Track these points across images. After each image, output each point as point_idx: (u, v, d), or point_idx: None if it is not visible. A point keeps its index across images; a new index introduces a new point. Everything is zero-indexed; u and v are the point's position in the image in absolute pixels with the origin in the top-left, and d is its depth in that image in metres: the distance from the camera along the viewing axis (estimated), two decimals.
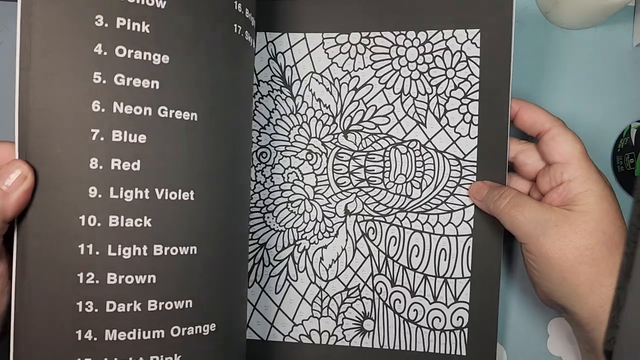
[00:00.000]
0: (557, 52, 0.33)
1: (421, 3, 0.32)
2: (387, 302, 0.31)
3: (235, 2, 0.26)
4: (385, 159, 0.32)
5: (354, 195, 0.32)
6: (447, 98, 0.31)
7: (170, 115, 0.23)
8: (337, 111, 0.32)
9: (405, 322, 0.31)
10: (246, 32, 0.26)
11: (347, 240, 0.31)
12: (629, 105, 0.32)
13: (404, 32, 0.32)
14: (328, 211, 0.32)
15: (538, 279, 0.26)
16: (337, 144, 0.32)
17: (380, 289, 0.31)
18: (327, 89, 0.32)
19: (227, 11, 0.25)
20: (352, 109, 0.32)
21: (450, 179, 0.31)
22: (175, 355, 0.23)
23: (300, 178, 0.32)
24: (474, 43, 0.31)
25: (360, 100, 0.32)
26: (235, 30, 0.25)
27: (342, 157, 0.32)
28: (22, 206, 0.20)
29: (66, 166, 0.21)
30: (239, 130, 0.27)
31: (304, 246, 0.32)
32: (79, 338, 0.21)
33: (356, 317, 0.31)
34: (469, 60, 0.31)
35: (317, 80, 0.32)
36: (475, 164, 0.31)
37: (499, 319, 0.30)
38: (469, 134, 0.31)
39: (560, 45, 0.33)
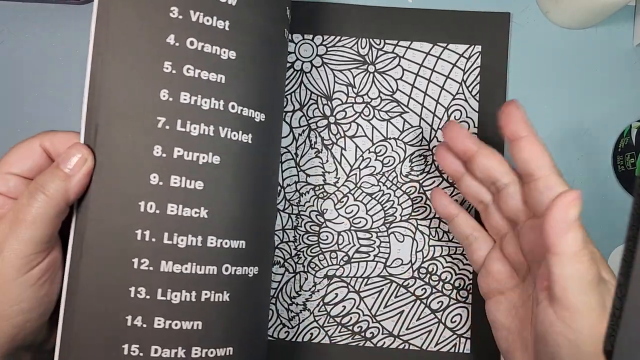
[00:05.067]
0: (557, 52, 0.33)
1: (427, 18, 0.32)
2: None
3: (287, 8, 0.26)
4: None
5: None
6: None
7: (239, 112, 0.23)
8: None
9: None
10: (285, 30, 0.27)
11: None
12: (629, 105, 0.32)
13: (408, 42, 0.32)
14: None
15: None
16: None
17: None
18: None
19: (282, 15, 0.25)
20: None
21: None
22: (225, 292, 0.23)
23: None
24: (476, 58, 0.32)
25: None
26: (285, 35, 0.26)
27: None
28: (82, 189, 0.21)
29: (130, 153, 0.21)
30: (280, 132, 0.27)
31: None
32: (129, 323, 0.21)
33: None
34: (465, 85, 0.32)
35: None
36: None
37: None
38: None
39: (560, 45, 0.33)
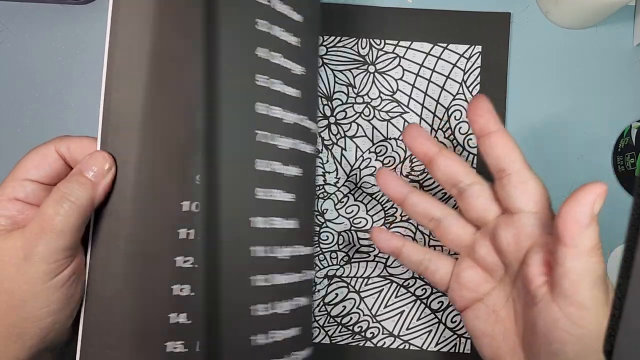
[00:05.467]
0: (557, 52, 0.33)
1: (429, 19, 0.32)
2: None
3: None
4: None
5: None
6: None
7: (307, 125, 0.24)
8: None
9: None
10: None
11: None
12: (629, 105, 0.32)
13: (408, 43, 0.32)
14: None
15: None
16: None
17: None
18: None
19: (318, 28, 0.26)
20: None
21: None
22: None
23: None
24: (476, 59, 0.32)
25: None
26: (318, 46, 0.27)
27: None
28: (105, 196, 0.21)
29: (235, 167, 0.21)
30: None
31: None
32: (252, 344, 0.21)
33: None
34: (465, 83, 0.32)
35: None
36: None
37: None
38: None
39: (560, 45, 0.33)
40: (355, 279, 0.32)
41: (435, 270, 0.26)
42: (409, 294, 0.31)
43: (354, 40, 0.33)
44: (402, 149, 0.32)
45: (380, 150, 0.32)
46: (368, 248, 0.32)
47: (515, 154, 0.23)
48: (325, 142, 0.32)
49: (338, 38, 0.33)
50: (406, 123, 0.32)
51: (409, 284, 0.31)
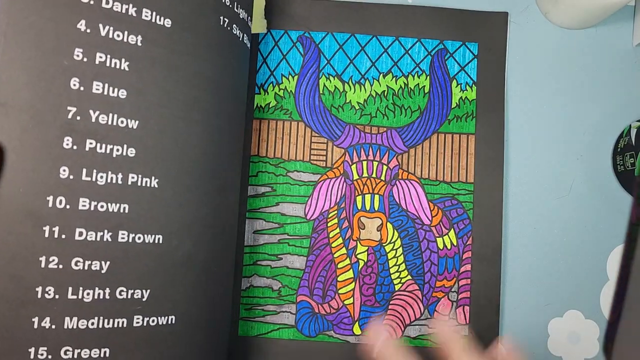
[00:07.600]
0: (557, 52, 0.33)
1: (424, 15, 0.32)
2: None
3: None
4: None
5: None
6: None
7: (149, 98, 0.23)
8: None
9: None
10: (234, 25, 0.26)
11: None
12: (629, 105, 0.32)
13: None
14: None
15: None
16: None
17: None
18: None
19: (213, 2, 0.25)
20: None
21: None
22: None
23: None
24: (472, 56, 0.32)
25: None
26: (221, 23, 0.25)
27: None
28: None
29: (38, 147, 0.21)
30: (220, 126, 0.26)
31: None
32: (35, 326, 0.21)
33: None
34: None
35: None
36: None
37: (499, 319, 0.30)
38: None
39: (560, 46, 0.33)
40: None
41: None
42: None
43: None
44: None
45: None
46: None
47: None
48: None
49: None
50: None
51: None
